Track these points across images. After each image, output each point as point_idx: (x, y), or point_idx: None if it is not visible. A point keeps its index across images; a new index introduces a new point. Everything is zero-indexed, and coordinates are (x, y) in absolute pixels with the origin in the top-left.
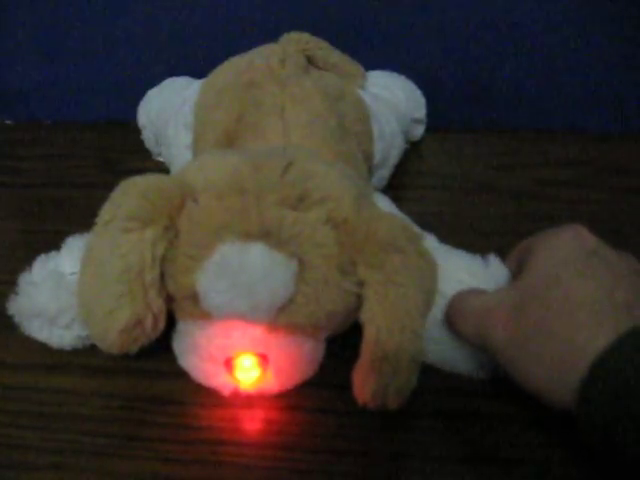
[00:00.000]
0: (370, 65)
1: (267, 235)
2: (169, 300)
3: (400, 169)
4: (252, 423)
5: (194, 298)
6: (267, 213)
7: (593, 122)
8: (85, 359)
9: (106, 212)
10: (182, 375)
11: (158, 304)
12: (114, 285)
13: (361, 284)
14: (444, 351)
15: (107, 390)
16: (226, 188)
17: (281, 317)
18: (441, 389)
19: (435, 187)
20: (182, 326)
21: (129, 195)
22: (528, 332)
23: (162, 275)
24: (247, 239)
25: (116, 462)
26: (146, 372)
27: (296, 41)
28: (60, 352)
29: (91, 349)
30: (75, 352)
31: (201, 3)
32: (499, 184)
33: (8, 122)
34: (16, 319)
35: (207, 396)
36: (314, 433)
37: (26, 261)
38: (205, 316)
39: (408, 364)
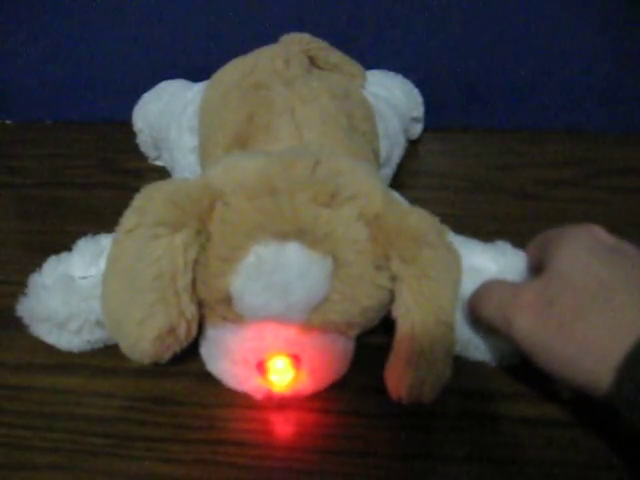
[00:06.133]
0: (369, 65)
1: (302, 234)
2: (199, 305)
3: (400, 169)
4: (252, 423)
5: (227, 301)
6: (301, 212)
7: (593, 122)
8: (85, 359)
9: (129, 219)
10: (182, 375)
11: (191, 310)
12: (145, 293)
13: (394, 279)
14: (464, 335)
15: (107, 390)
16: (257, 188)
17: (315, 316)
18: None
19: (435, 187)
20: (211, 331)
21: (155, 201)
22: (563, 316)
23: (193, 280)
24: (282, 239)
25: (116, 462)
26: (146, 372)
27: (297, 42)
28: (60, 352)
29: (91, 349)
30: (76, 352)
31: (201, 4)
32: (499, 184)
33: (8, 122)
34: (25, 320)
35: (207, 396)
36: (315, 433)
37: (25, 261)
38: (237, 319)
39: (443, 357)
